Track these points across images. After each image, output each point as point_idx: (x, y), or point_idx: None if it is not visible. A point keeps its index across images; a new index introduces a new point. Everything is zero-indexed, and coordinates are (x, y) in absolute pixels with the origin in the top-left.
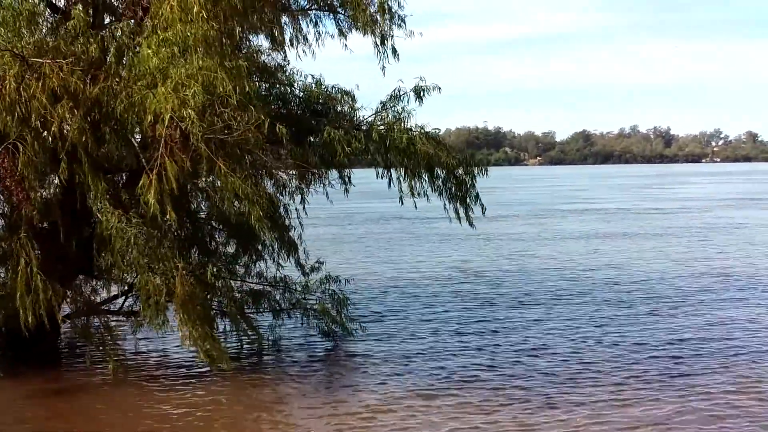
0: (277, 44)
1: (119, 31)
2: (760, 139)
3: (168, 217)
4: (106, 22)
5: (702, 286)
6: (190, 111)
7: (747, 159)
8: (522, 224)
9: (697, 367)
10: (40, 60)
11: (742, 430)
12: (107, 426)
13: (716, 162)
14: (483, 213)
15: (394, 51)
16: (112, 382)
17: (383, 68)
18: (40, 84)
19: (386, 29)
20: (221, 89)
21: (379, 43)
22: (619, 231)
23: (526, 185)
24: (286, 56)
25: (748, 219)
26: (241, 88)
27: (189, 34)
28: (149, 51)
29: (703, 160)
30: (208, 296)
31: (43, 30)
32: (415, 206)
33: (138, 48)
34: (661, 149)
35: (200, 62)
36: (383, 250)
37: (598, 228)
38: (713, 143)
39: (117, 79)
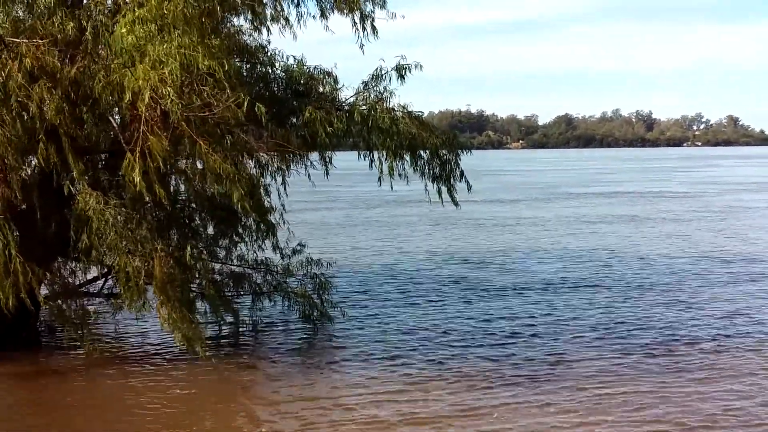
0: (258, 24)
1: (96, 9)
2: (741, 123)
3: (158, 194)
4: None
5: None
6: (168, 89)
7: (728, 143)
8: (531, 208)
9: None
10: (17, 40)
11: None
12: (80, 412)
13: (697, 146)
14: (468, 190)
15: (374, 29)
16: (90, 365)
17: (362, 46)
18: (17, 64)
19: (367, 9)
20: (201, 66)
21: (358, 21)
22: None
23: (544, 168)
24: (267, 37)
25: None
26: (220, 66)
27: (166, 11)
28: (125, 29)
29: (685, 144)
30: (188, 278)
31: (19, 9)
32: (392, 187)
33: (115, 27)
34: (643, 133)
35: (179, 40)
36: (368, 233)
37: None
38: (694, 127)
39: (95, 59)
